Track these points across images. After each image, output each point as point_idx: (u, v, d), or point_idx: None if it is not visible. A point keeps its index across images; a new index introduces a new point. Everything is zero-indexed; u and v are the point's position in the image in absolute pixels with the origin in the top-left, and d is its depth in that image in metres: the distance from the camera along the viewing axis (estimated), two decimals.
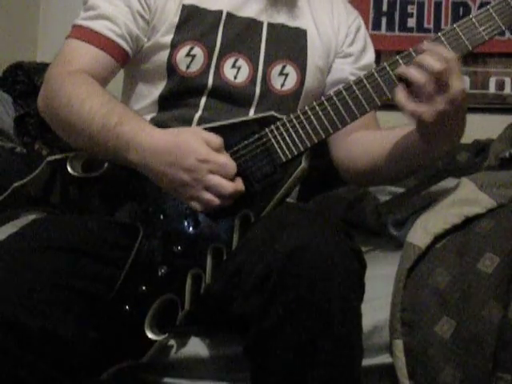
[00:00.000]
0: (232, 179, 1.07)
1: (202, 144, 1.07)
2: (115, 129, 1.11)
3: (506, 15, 1.12)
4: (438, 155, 1.20)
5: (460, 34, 1.11)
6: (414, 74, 1.06)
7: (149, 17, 1.26)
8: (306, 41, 1.32)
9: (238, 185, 1.08)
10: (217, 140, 1.08)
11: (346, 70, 1.36)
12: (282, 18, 1.32)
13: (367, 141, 1.29)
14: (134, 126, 1.11)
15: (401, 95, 1.07)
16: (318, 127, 1.12)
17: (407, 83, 1.07)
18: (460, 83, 1.06)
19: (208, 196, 1.06)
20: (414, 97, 1.06)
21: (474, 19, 1.11)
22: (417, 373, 1.10)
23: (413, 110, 1.06)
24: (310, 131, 1.12)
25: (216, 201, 1.06)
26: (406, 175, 1.34)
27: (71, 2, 2.13)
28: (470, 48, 1.12)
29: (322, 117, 1.12)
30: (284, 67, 1.29)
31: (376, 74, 1.12)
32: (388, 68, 1.12)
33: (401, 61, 1.12)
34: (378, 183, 1.46)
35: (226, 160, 1.07)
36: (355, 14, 1.42)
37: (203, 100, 1.26)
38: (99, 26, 1.23)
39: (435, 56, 1.05)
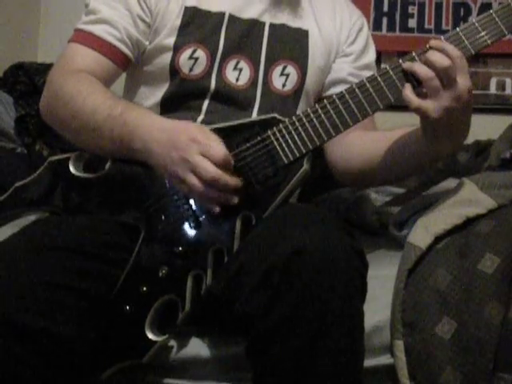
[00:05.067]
0: (224, 169, 1.05)
1: (201, 131, 1.08)
2: (121, 116, 1.12)
3: (509, 20, 1.12)
4: (440, 156, 1.19)
5: (463, 38, 1.11)
6: (420, 68, 1.07)
7: (150, 20, 1.26)
8: (308, 41, 1.32)
9: (225, 176, 1.05)
10: (216, 136, 1.08)
11: (344, 69, 1.36)
12: (284, 18, 1.32)
13: (364, 141, 1.29)
14: (140, 113, 1.13)
15: (408, 91, 1.09)
16: (320, 130, 1.12)
17: (414, 83, 1.09)
18: (467, 81, 1.06)
19: (192, 179, 1.05)
20: (422, 96, 1.07)
21: (476, 23, 1.11)
22: (417, 373, 1.10)
23: (418, 105, 1.07)
24: (312, 134, 1.12)
25: (198, 186, 1.05)
26: (405, 176, 1.33)
27: (72, 2, 2.13)
28: (473, 52, 1.12)
29: (325, 120, 1.12)
30: (285, 68, 1.29)
31: (379, 78, 1.12)
32: (391, 72, 1.12)
33: (403, 64, 1.12)
34: (373, 184, 1.45)
35: (217, 145, 1.06)
36: (358, 14, 1.42)
37: (206, 103, 1.26)
38: (99, 30, 1.24)
39: (442, 53, 1.06)
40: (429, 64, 1.06)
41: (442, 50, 1.07)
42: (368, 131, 1.32)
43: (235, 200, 1.07)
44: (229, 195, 1.07)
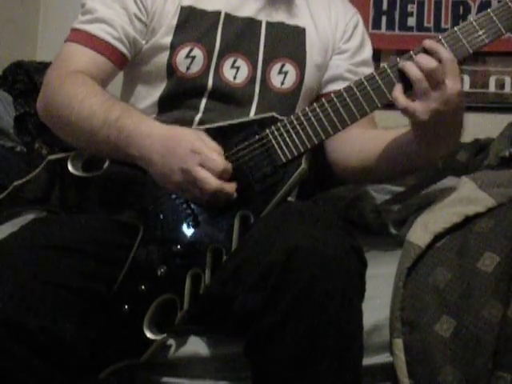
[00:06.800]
0: (223, 178, 1.06)
1: (198, 139, 1.08)
2: (117, 123, 1.11)
3: (507, 19, 1.12)
4: (432, 159, 1.20)
5: (460, 37, 1.11)
6: (411, 69, 1.07)
7: (146, 19, 1.27)
8: (305, 39, 1.33)
9: (227, 186, 1.07)
10: (214, 143, 1.08)
11: (341, 66, 1.36)
12: (280, 16, 1.32)
13: (362, 139, 1.29)
14: (136, 119, 1.12)
15: (397, 91, 1.09)
16: (318, 128, 1.12)
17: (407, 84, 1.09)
18: (456, 85, 1.06)
19: (194, 191, 1.07)
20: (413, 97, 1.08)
21: (474, 22, 1.11)
22: (417, 372, 1.10)
23: (406, 105, 1.07)
24: (311, 132, 1.12)
25: (200, 197, 1.07)
26: (400, 175, 1.34)
27: (71, 1, 2.12)
28: (471, 51, 1.12)
29: (323, 118, 1.13)
30: (283, 65, 1.30)
31: (377, 77, 1.12)
32: (389, 70, 1.12)
33: (399, 63, 1.12)
34: (369, 181, 1.46)
35: (217, 157, 1.06)
36: (353, 11, 1.43)
37: (203, 101, 1.26)
38: (96, 29, 1.24)
39: (433, 55, 1.07)
40: (417, 65, 1.07)
41: (433, 52, 1.07)
42: (368, 129, 1.32)
43: (234, 198, 1.09)
44: (229, 199, 1.08)
